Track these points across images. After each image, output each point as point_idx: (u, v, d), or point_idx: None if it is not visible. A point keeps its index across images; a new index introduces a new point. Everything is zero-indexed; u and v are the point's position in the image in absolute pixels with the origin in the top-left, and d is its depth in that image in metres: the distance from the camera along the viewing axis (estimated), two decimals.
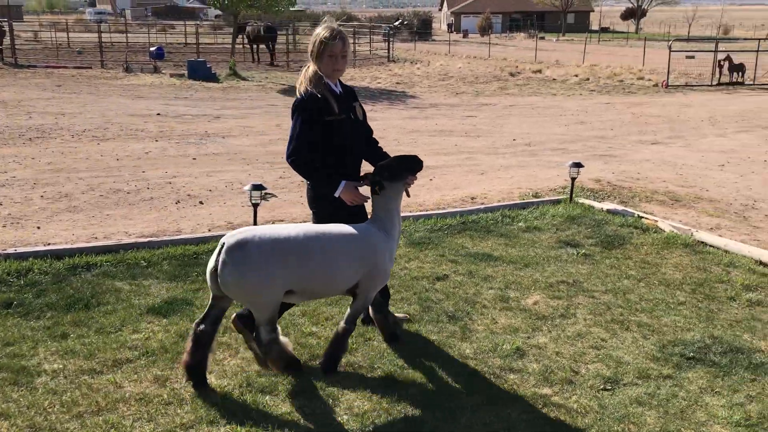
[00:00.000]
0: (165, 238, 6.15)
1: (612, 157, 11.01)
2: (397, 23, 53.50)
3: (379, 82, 22.95)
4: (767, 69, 24.73)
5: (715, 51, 24.15)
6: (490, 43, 39.99)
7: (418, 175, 3.94)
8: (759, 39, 26.05)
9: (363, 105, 4.24)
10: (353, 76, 24.33)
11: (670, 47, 23.11)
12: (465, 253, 5.91)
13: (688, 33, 64.56)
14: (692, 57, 24.10)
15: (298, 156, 3.82)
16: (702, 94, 21.20)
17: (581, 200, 7.64)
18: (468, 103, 18.41)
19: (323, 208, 4.01)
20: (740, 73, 23.49)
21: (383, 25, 45.75)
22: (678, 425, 3.42)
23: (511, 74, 25.59)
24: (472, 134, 13.19)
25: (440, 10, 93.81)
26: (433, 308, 4.74)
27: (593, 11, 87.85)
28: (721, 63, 23.32)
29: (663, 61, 24.52)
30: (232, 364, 3.94)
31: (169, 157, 10.31)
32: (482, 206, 7.38)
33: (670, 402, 3.62)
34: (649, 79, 23.80)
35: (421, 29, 58.14)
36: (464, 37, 63.93)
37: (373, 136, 4.20)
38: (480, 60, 33.11)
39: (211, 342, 3.65)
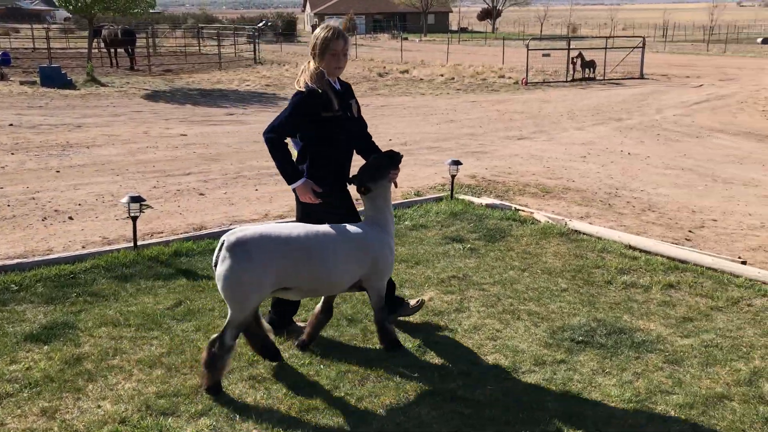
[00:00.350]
0: (36, 258, 5.71)
1: (484, 153, 11.43)
2: (261, 25, 52.79)
3: (248, 85, 22.54)
4: (615, 65, 26.60)
5: (568, 49, 25.70)
6: (356, 44, 40.32)
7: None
8: (606, 37, 27.95)
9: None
10: (220, 79, 23.76)
11: (527, 46, 24.32)
12: None
13: (541, 32, 68.27)
14: (548, 55, 25.51)
15: (276, 136, 3.96)
16: (559, 90, 22.48)
17: (461, 196, 7.87)
18: None
19: (312, 212, 4.12)
20: (591, 70, 25.13)
21: (247, 27, 44.99)
22: (577, 407, 3.60)
23: (380, 75, 25.96)
24: None
25: (303, 11, 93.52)
26: (333, 313, 4.70)
27: (452, 12, 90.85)
28: (574, 60, 24.84)
29: (521, 60, 25.79)
30: (127, 388, 3.72)
31: (28, 170, 9.59)
32: None
33: (567, 386, 3.81)
34: (510, 77, 24.93)
35: (286, 31, 57.73)
36: None
37: (368, 132, 4.37)
38: (348, 61, 33.27)
39: (259, 328, 3.90)
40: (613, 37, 30.59)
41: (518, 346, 4.25)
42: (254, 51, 32.67)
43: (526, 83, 23.41)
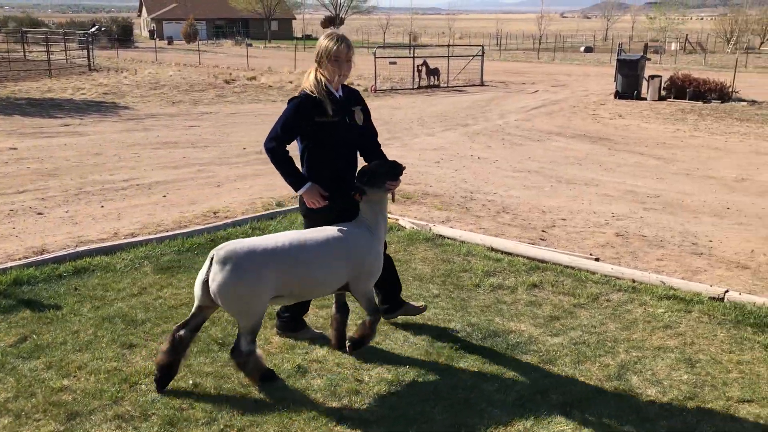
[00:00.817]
0: None
1: None
2: (94, 29, 49.71)
3: (83, 93, 21.06)
4: (457, 73, 27.66)
5: (413, 57, 26.40)
6: (199, 50, 39.04)
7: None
8: (448, 45, 29.03)
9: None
10: (51, 87, 22.04)
11: (375, 54, 24.69)
12: None
13: (384, 40, 69.85)
14: (394, 63, 26.04)
15: (276, 145, 3.99)
16: (407, 97, 23.00)
17: None
18: (188, 112, 17.73)
19: (315, 219, 4.11)
20: (436, 77, 25.97)
21: (78, 31, 42.18)
22: (464, 416, 3.58)
23: (227, 82, 25.27)
24: (200, 145, 12.71)
25: (139, 15, 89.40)
26: (200, 337, 4.39)
27: (295, 19, 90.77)
28: (420, 68, 25.55)
29: (368, 67, 26.14)
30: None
31: None
32: (229, 221, 7.10)
33: (452, 395, 3.79)
34: (359, 84, 25.15)
35: (122, 36, 54.84)
36: (169, 44, 61.75)
37: (377, 141, 4.38)
38: (191, 67, 32.22)
39: (186, 348, 3.78)
40: (454, 45, 31.86)
41: (400, 358, 4.19)
42: (88, 57, 30.66)
43: (375, 90, 23.75)
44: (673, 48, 51.46)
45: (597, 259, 6.22)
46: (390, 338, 4.47)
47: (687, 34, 57.75)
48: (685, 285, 5.48)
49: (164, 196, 8.62)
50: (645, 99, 21.24)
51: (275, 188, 9.05)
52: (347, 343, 4.23)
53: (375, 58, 24.26)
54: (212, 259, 3.59)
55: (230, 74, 27.91)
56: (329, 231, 3.91)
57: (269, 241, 3.73)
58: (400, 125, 16.04)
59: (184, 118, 16.63)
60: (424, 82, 25.70)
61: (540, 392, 3.83)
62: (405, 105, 20.40)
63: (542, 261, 6.04)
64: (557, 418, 3.59)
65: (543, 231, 7.51)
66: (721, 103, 20.29)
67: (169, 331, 4.45)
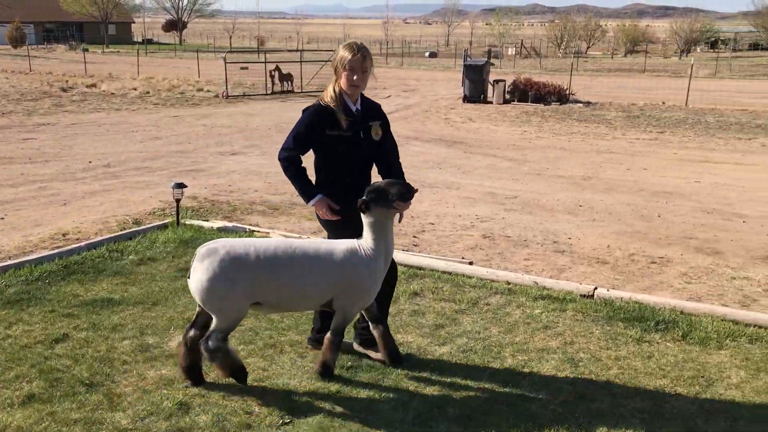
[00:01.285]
0: None
1: (199, 171, 10.88)
2: None
3: None
4: (311, 78, 27.52)
5: (265, 62, 25.93)
6: (29, 56, 36.12)
7: None
8: (300, 50, 28.81)
9: None
10: None
11: (225, 59, 23.99)
12: (79, 302, 5.09)
13: (231, 44, 68.29)
14: (246, 68, 25.43)
15: (289, 155, 3.92)
16: (260, 102, 22.54)
17: (189, 221, 7.31)
18: (22, 124, 16.24)
19: (333, 232, 4.05)
20: (290, 82, 25.67)
21: None
22: None
23: (63, 90, 23.52)
24: (39, 160, 11.64)
25: None
26: (62, 379, 3.93)
27: (134, 22, 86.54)
28: (272, 73, 25.14)
29: (217, 72, 25.38)
30: None
31: None
32: (82, 243, 6.49)
33: (348, 420, 3.62)
34: (209, 90, 24.37)
35: None
36: None
37: (398, 159, 4.21)
38: (21, 74, 29.73)
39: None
40: (305, 50, 31.69)
41: (289, 384, 3.96)
42: None
43: (227, 96, 23.07)
44: (510, 53, 54.45)
45: (471, 263, 6.31)
46: (276, 363, 4.23)
47: (522, 40, 61.30)
48: (557, 284, 5.67)
49: (2, 218, 7.78)
50: (491, 102, 22.21)
51: (129, 204, 8.46)
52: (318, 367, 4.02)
53: (225, 63, 23.57)
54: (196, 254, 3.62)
55: (67, 81, 26.03)
56: (319, 244, 3.83)
57: (255, 243, 3.70)
58: (258, 132, 15.66)
59: (18, 130, 15.22)
60: (277, 88, 25.32)
61: (437, 406, 3.76)
62: (260, 111, 19.96)
63: (420, 268, 6.04)
64: None
65: (414, 237, 7.54)
66: (561, 104, 21.65)
67: (24, 375, 3.96)
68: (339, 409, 3.72)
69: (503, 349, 4.52)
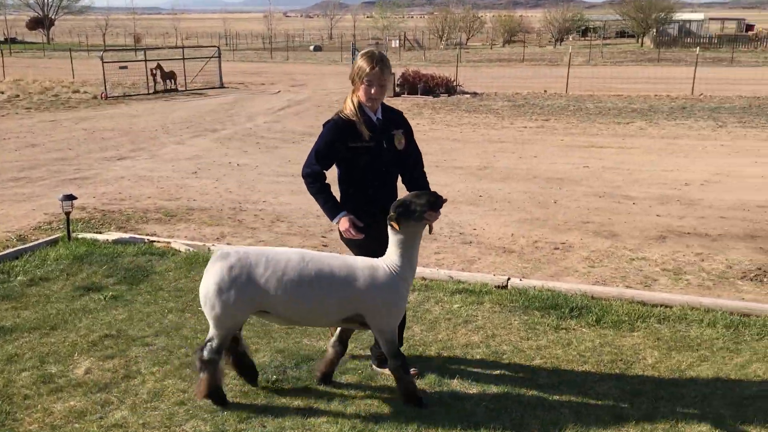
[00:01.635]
0: None
1: (85, 179, 10.23)
2: None
3: None
4: (194, 75, 26.63)
5: (145, 60, 24.82)
6: None
7: None
8: (182, 47, 27.79)
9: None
10: None
11: (102, 58, 22.75)
12: None
13: (104, 42, 65.00)
14: (125, 67, 24.24)
15: (312, 171, 3.85)
16: (143, 103, 21.55)
17: (81, 235, 6.83)
18: None
19: (355, 248, 3.91)
20: (173, 81, 24.71)
21: None
22: None
23: None
24: None
25: None
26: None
27: None
28: (153, 71, 24.10)
29: (92, 72, 24.07)
30: None
31: None
32: None
33: None
34: (86, 92, 23.04)
35: None
36: None
37: (423, 169, 4.07)
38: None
39: (241, 347, 3.84)
40: (186, 47, 30.63)
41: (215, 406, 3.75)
42: None
43: (106, 97, 21.91)
44: (394, 45, 55.00)
45: None
46: (196, 382, 4.00)
47: (405, 32, 62.07)
48: (472, 277, 5.72)
49: None
50: None
51: (10, 220, 7.84)
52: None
53: (103, 62, 22.35)
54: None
55: None
56: (345, 260, 3.65)
57: (270, 253, 3.61)
58: (144, 134, 14.94)
59: None
60: (160, 87, 24.31)
61: (373, 419, 3.66)
62: (144, 112, 19.08)
63: None
64: None
65: (323, 237, 7.41)
66: (449, 96, 22.05)
67: None
68: (268, 426, 3.56)
69: (428, 348, 4.49)
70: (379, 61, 3.78)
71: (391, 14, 70.45)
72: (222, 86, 26.16)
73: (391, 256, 3.63)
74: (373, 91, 3.81)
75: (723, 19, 72.88)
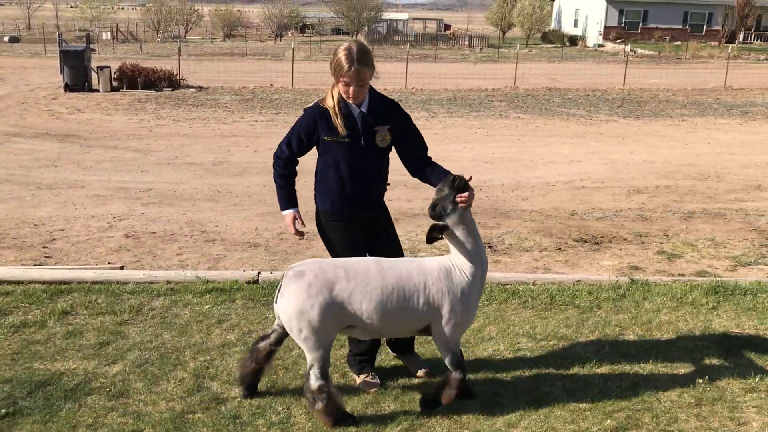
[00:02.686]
0: None
1: None
2: None
3: None
4: None
5: None
6: None
7: None
8: None
9: None
10: None
11: None
12: None
13: None
14: None
15: (280, 155, 3.74)
16: None
17: None
18: None
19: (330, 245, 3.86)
20: None
21: None
22: None
23: None
24: None
25: None
26: None
27: None
28: None
29: None
30: None
31: None
32: None
33: None
34: None
35: None
36: None
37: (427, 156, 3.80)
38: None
39: (269, 358, 3.66)
40: None
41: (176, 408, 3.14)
42: None
43: None
44: (105, 38, 51.31)
45: (122, 267, 5.79)
46: None
47: (117, 24, 58.16)
48: (221, 275, 5.54)
49: None
50: (98, 91, 20.65)
51: None
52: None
53: None
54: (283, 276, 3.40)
55: None
56: (417, 264, 3.47)
57: (346, 264, 3.41)
58: None
59: None
60: None
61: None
62: None
63: (64, 282, 5.30)
64: None
65: (44, 247, 6.64)
66: (173, 90, 21.14)
67: None
68: None
69: (182, 353, 4.24)
70: (357, 61, 3.49)
71: (100, 5, 65.45)
72: None
73: (455, 255, 3.47)
74: (351, 90, 3.57)
75: (425, 19, 79.75)
